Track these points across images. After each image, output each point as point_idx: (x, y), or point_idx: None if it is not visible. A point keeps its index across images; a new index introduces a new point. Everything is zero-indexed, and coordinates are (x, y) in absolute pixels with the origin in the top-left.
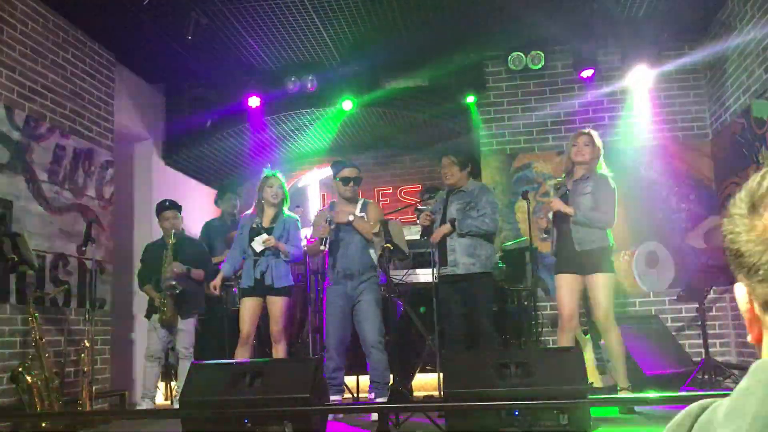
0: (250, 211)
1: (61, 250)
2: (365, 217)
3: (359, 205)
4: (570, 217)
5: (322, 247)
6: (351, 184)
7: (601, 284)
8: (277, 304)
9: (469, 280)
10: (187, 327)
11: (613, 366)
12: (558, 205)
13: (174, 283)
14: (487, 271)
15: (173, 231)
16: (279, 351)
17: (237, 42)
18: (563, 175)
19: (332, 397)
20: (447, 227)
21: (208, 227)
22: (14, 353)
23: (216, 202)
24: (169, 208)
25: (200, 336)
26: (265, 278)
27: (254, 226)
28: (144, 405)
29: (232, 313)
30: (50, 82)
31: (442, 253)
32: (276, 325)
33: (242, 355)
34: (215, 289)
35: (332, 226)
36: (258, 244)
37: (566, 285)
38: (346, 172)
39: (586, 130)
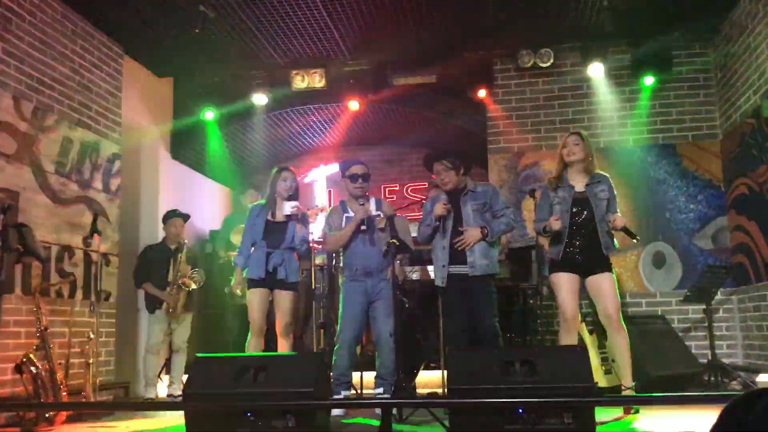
0: (261, 203)
1: (67, 242)
2: (381, 214)
3: (373, 203)
4: (604, 223)
5: (363, 227)
6: (360, 180)
7: (610, 283)
8: (287, 299)
9: (482, 280)
10: (186, 322)
11: (619, 365)
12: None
13: (192, 284)
14: (497, 272)
15: (181, 238)
16: (285, 346)
17: (245, 36)
18: (549, 178)
19: (343, 393)
20: (478, 235)
21: (227, 222)
22: (19, 344)
23: (240, 199)
24: (179, 216)
25: (207, 330)
26: (278, 272)
27: (270, 218)
28: (149, 394)
29: (241, 307)
30: (58, 74)
31: (453, 252)
32: (284, 320)
33: (256, 346)
34: (238, 287)
35: (371, 211)
36: (288, 208)
37: (568, 285)
38: (354, 169)
39: (574, 131)
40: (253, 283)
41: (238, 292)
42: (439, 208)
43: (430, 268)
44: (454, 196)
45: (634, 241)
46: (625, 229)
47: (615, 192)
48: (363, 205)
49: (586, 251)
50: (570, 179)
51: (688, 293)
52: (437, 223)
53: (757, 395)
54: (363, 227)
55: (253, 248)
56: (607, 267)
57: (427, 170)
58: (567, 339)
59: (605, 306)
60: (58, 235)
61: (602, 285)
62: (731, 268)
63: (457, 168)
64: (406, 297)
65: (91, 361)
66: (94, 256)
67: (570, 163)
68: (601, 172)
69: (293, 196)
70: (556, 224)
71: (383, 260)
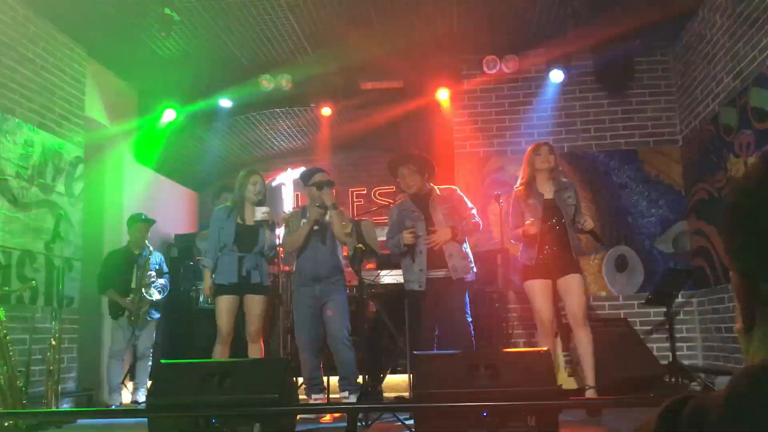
0: (225, 206)
1: (28, 246)
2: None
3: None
4: (573, 227)
5: (316, 228)
6: (325, 188)
7: (579, 283)
8: (260, 303)
9: (461, 284)
10: (150, 328)
11: (583, 365)
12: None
13: (158, 294)
14: (474, 270)
15: (145, 243)
16: (257, 351)
17: (211, 39)
18: (519, 185)
19: (315, 396)
20: (449, 234)
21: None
22: None
23: (214, 202)
24: (143, 221)
25: (172, 335)
26: (251, 276)
27: (240, 221)
28: (113, 401)
29: (207, 312)
30: (20, 76)
31: (433, 256)
32: (255, 325)
33: (223, 353)
34: (209, 292)
35: (328, 208)
36: (259, 214)
37: (542, 291)
38: (318, 177)
39: (544, 142)
40: (223, 289)
41: (207, 293)
42: (408, 238)
43: (397, 272)
44: (420, 200)
45: (599, 244)
46: (592, 232)
47: (580, 197)
48: (318, 206)
49: (559, 255)
50: (538, 187)
51: (649, 296)
52: (405, 248)
53: (678, 406)
54: (316, 228)
55: (219, 252)
56: (576, 269)
57: (391, 174)
58: (544, 342)
59: (571, 304)
60: (20, 240)
61: (570, 285)
62: (691, 271)
63: (422, 172)
64: (373, 300)
65: (52, 368)
66: (57, 261)
67: (539, 170)
68: (567, 179)
69: (262, 201)
70: (532, 228)
71: (333, 266)
